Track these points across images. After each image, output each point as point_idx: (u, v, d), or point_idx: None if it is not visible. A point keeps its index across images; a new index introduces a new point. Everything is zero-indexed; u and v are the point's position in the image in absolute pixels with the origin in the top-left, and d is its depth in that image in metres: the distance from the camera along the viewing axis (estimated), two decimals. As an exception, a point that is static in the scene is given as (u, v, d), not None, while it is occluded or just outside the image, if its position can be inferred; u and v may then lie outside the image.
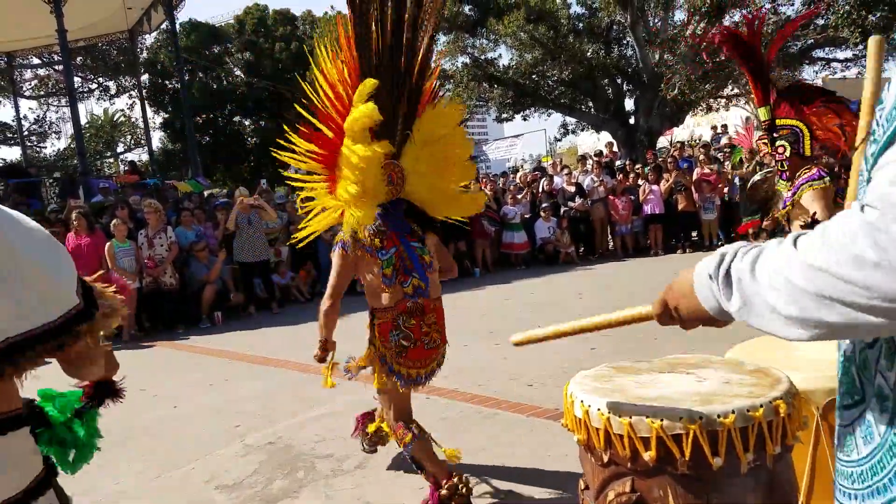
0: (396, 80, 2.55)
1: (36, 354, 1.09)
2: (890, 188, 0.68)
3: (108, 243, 7.70)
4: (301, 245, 2.83)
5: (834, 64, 15.79)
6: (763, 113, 3.39)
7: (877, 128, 0.76)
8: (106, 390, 1.54)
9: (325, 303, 2.69)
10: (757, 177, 6.57)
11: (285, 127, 2.64)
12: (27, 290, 1.05)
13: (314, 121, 2.55)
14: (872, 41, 1.04)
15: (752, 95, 3.48)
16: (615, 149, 15.35)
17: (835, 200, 3.31)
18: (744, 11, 14.71)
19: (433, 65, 2.73)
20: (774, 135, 3.37)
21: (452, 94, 18.32)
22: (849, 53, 15.30)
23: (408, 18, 2.52)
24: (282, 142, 2.62)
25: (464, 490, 2.58)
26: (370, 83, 2.42)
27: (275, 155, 2.68)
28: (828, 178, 3.27)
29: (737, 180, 9.97)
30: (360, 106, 2.41)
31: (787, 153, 3.33)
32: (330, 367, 2.81)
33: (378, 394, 2.82)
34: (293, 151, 2.61)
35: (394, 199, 2.66)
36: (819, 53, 15.44)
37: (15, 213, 1.13)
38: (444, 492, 2.56)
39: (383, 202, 2.62)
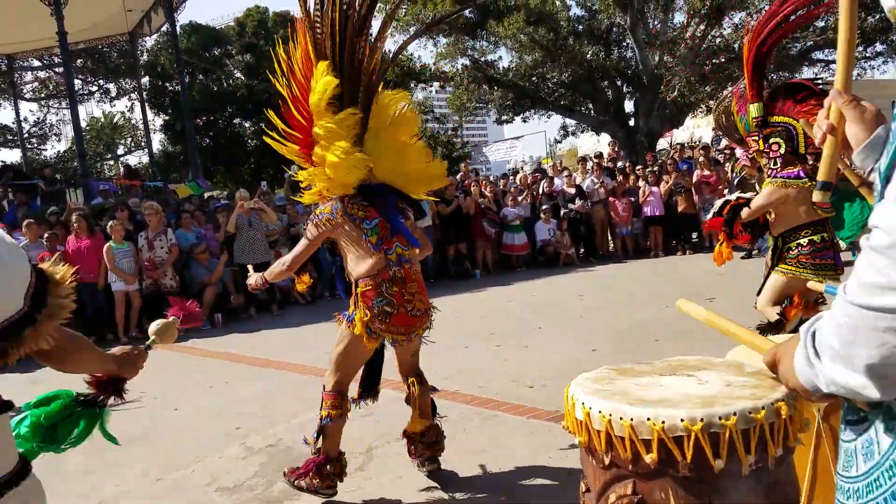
0: (352, 77, 2.75)
1: None
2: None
3: (105, 245, 7.70)
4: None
5: (833, 66, 15.82)
6: (756, 109, 3.32)
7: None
8: (111, 387, 1.62)
9: (281, 267, 2.89)
10: (746, 172, 6.59)
11: (270, 114, 2.84)
12: None
13: (289, 107, 2.76)
14: None
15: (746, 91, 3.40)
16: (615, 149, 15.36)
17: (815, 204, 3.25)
18: (741, 13, 14.77)
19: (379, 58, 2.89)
20: (767, 131, 3.32)
21: (452, 95, 18.34)
22: (848, 55, 15.32)
23: (357, 20, 2.71)
24: (266, 129, 2.83)
25: (339, 477, 2.83)
26: (323, 65, 2.66)
27: (266, 140, 2.86)
28: (808, 180, 3.21)
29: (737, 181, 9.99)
30: (319, 82, 2.64)
31: (782, 150, 3.29)
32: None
33: (336, 347, 2.82)
34: (278, 137, 2.81)
35: (373, 182, 2.80)
36: (818, 55, 15.47)
37: None
38: (328, 468, 2.77)
39: (363, 180, 2.76)
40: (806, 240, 3.33)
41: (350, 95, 2.74)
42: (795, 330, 3.20)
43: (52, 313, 1.25)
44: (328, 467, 2.78)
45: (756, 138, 3.39)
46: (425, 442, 2.97)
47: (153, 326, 1.91)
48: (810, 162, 3.25)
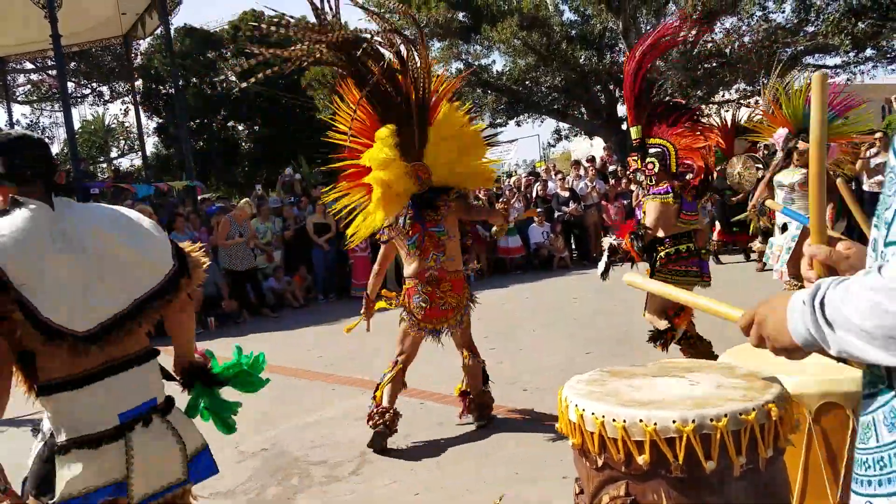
0: (407, 114, 3.39)
1: (154, 308, 1.65)
2: None
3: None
4: (350, 246, 4.04)
5: (823, 70, 15.94)
6: (634, 132, 3.75)
7: None
8: (196, 375, 2.05)
9: (373, 272, 3.80)
10: (735, 170, 6.96)
11: (335, 102, 3.52)
12: (136, 266, 1.64)
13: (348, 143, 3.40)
14: (816, 77, 1.04)
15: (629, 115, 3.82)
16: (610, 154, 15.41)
17: (678, 217, 3.70)
18: (733, 19, 14.89)
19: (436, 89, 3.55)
20: (645, 151, 3.73)
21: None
22: (838, 60, 15.47)
23: (410, 73, 3.36)
24: (337, 113, 3.49)
25: (389, 422, 3.43)
26: (385, 131, 3.32)
27: (330, 122, 3.53)
28: (671, 197, 3.65)
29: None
30: (375, 150, 3.36)
31: (656, 169, 3.69)
32: (366, 313, 3.81)
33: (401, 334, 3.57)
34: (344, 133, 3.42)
35: (422, 192, 3.44)
36: (808, 60, 15.60)
37: (121, 210, 1.73)
38: (387, 416, 3.42)
39: (415, 193, 3.43)
40: (673, 249, 3.71)
41: (407, 125, 3.38)
42: (683, 338, 3.65)
43: (195, 264, 1.75)
44: (386, 416, 3.40)
45: (635, 158, 3.81)
46: (476, 401, 3.65)
47: None
48: (676, 184, 3.71)
